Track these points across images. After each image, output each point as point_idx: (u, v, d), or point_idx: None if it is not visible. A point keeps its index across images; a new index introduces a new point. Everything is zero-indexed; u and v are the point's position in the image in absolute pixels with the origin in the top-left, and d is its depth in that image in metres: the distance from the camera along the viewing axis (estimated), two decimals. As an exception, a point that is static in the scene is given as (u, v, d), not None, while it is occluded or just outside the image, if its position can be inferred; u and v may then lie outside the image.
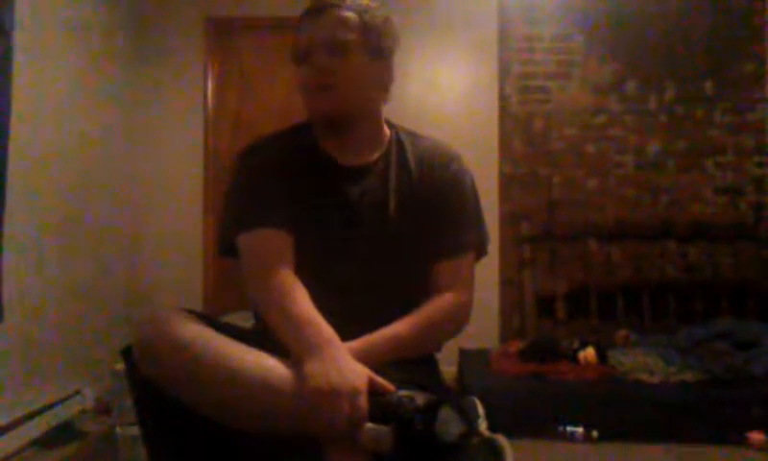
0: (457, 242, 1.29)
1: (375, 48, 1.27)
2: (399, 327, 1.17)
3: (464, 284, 1.28)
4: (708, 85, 3.75)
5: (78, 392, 2.86)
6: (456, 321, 1.27)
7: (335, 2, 1.25)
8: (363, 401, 0.94)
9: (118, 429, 2.52)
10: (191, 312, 1.07)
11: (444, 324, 1.24)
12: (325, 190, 1.27)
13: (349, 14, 1.25)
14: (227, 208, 1.31)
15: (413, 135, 1.37)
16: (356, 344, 1.11)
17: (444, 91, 3.77)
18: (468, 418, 0.90)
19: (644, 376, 2.84)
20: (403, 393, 0.92)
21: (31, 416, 2.50)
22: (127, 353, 1.05)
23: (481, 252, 1.35)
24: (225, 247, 1.28)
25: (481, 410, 0.93)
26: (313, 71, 1.24)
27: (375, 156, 1.31)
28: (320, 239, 1.24)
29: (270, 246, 1.20)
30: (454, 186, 1.31)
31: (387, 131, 1.36)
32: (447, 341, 1.28)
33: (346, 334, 1.11)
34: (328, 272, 1.23)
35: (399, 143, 1.34)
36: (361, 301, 1.20)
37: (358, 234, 1.25)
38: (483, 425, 0.91)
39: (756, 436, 2.56)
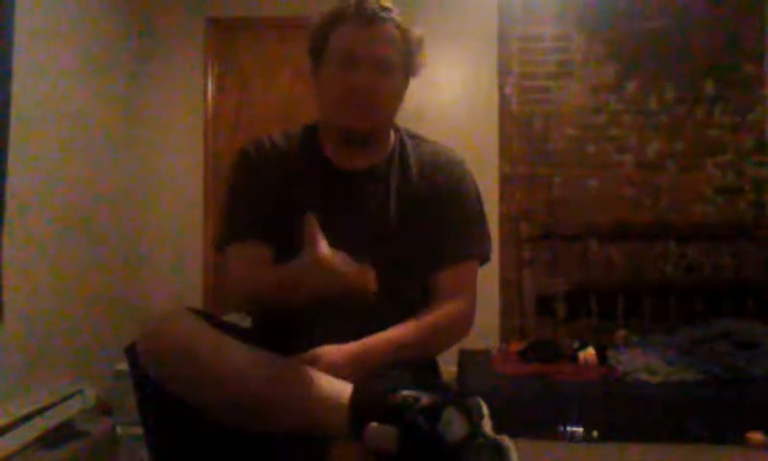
0: (459, 249, 1.28)
1: (410, 68, 1.29)
2: (400, 332, 1.17)
3: (466, 292, 1.27)
4: (708, 85, 3.75)
5: (78, 392, 2.85)
6: (458, 330, 1.27)
7: (383, 15, 1.22)
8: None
9: (119, 429, 2.52)
10: (194, 311, 1.07)
11: (445, 332, 1.24)
12: (326, 194, 1.27)
13: (395, 32, 1.24)
14: (223, 209, 1.34)
15: (417, 139, 1.37)
16: (355, 346, 1.11)
17: (444, 91, 3.77)
18: (473, 418, 0.90)
19: (644, 376, 2.84)
20: (408, 393, 0.92)
21: (31, 416, 2.49)
22: (130, 352, 1.05)
23: (484, 258, 1.35)
24: (219, 245, 1.32)
25: (486, 411, 0.93)
26: (357, 86, 1.21)
27: (378, 159, 1.31)
28: None
29: (246, 264, 1.23)
30: (457, 192, 1.31)
31: (392, 134, 1.35)
32: (448, 349, 1.28)
33: (346, 336, 1.11)
34: None
35: (403, 147, 1.34)
36: (361, 304, 1.20)
37: (359, 238, 1.24)
38: (488, 426, 0.91)
39: (755, 436, 2.55)
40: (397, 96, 1.29)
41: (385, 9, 1.23)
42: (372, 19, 1.21)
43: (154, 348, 1.00)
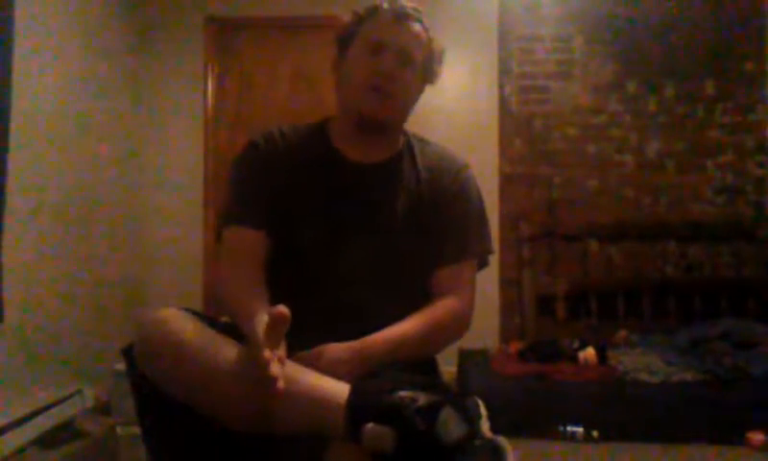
0: (460, 248, 1.30)
1: (429, 73, 1.34)
2: (400, 329, 1.17)
3: (465, 290, 1.29)
4: (708, 85, 3.75)
5: (78, 392, 2.85)
6: (457, 326, 1.27)
7: (414, 15, 1.30)
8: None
9: (118, 429, 2.52)
10: (191, 311, 1.07)
11: (444, 328, 1.24)
12: (333, 186, 1.29)
13: (423, 34, 1.31)
14: (224, 197, 1.35)
15: (423, 141, 1.40)
16: (358, 344, 1.11)
17: (445, 91, 3.76)
18: (470, 419, 0.90)
19: (644, 376, 2.84)
20: (405, 393, 0.91)
21: (31, 416, 2.50)
22: (128, 353, 1.05)
23: (483, 261, 1.37)
24: (217, 231, 1.33)
25: (484, 411, 0.93)
26: (380, 69, 1.25)
27: (386, 156, 1.33)
28: (324, 234, 1.25)
29: (239, 248, 1.24)
30: (460, 194, 1.33)
31: (401, 137, 1.38)
32: (446, 347, 1.28)
33: (346, 331, 1.11)
34: (331, 267, 1.24)
35: (410, 147, 1.37)
36: (363, 298, 1.20)
37: (363, 231, 1.26)
38: (485, 427, 0.91)
39: (755, 436, 2.55)
40: (413, 93, 1.33)
41: (416, 9, 1.31)
42: (402, 15, 1.29)
43: (150, 349, 1.00)
